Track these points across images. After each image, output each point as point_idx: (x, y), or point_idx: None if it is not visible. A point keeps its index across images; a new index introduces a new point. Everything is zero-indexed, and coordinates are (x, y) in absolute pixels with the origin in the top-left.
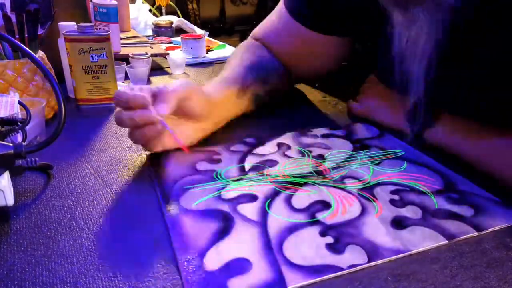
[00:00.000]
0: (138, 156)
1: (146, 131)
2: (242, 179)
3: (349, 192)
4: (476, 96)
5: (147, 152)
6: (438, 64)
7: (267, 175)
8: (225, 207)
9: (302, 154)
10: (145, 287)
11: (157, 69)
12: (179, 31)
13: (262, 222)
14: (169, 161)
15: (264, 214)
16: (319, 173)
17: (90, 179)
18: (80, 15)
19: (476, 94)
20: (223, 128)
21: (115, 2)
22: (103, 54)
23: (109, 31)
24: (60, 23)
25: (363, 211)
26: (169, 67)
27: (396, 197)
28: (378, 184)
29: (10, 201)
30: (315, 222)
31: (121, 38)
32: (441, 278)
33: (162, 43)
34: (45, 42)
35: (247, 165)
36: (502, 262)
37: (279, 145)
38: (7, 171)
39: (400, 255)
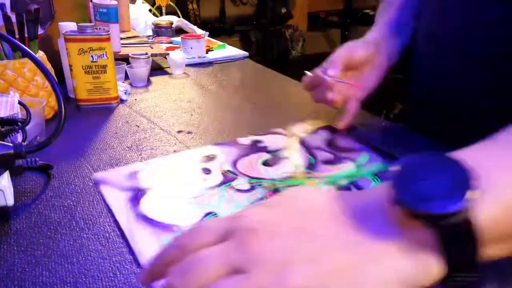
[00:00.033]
0: (138, 156)
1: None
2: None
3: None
4: None
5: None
6: None
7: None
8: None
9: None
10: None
11: (157, 69)
12: (179, 31)
13: None
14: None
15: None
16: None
17: (90, 179)
18: (80, 15)
19: None
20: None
21: (115, 2)
22: (103, 54)
23: (109, 31)
24: (60, 23)
25: None
26: (169, 67)
27: None
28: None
29: (10, 201)
30: None
31: (121, 38)
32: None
33: (162, 43)
34: (45, 42)
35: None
36: (502, 262)
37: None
38: (7, 171)
39: None
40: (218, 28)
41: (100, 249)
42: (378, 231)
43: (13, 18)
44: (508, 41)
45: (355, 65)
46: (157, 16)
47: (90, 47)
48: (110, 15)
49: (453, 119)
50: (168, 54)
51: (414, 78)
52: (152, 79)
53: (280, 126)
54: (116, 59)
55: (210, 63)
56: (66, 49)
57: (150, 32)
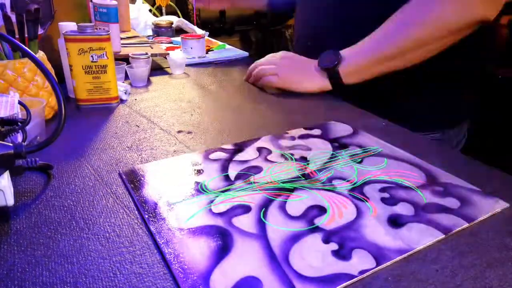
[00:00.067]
0: (138, 156)
1: None
2: (229, 189)
3: (340, 194)
4: None
5: (126, 169)
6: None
7: (254, 182)
8: (219, 222)
9: (285, 157)
10: (145, 287)
11: (157, 69)
12: (179, 31)
13: (262, 234)
14: (147, 176)
15: (261, 225)
16: (306, 176)
17: (90, 179)
18: (80, 15)
19: None
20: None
21: (115, 2)
22: (103, 54)
23: (109, 31)
24: (60, 23)
25: (359, 212)
26: (169, 67)
27: (386, 195)
28: (366, 183)
29: (10, 201)
30: (315, 229)
31: (121, 38)
32: (441, 278)
33: (162, 43)
34: (45, 42)
35: (232, 173)
36: (502, 262)
37: (259, 150)
38: (7, 171)
39: (401, 256)
40: (218, 28)
41: (100, 249)
42: (313, 72)
43: (13, 18)
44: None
45: None
46: (157, 16)
47: (90, 47)
48: (110, 15)
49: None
50: (168, 54)
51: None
52: (152, 79)
53: (280, 126)
54: (116, 59)
55: (210, 63)
56: (66, 49)
57: (150, 32)
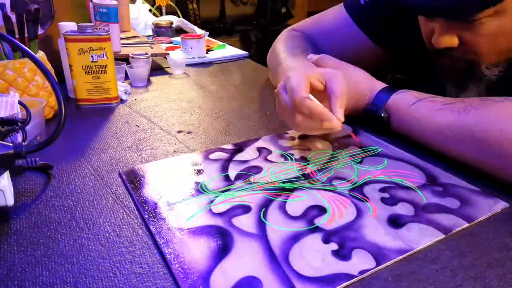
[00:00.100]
0: (138, 156)
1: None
2: (229, 189)
3: (340, 194)
4: None
5: (128, 166)
6: None
7: (254, 182)
8: (219, 222)
9: (285, 158)
10: (145, 287)
11: (157, 69)
12: (179, 31)
13: (262, 234)
14: (147, 176)
15: (261, 225)
16: (306, 176)
17: (90, 179)
18: (80, 15)
19: None
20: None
21: (115, 2)
22: (103, 54)
23: (109, 31)
24: (60, 23)
25: (359, 213)
26: (169, 67)
27: (386, 195)
28: (366, 183)
29: (10, 201)
30: (315, 229)
31: (121, 38)
32: (441, 278)
33: (162, 43)
34: (45, 42)
35: (232, 173)
36: (502, 262)
37: (259, 150)
38: (7, 171)
39: (401, 256)
40: (218, 28)
41: (100, 249)
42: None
43: (13, 18)
44: None
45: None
46: (157, 16)
47: (90, 47)
48: (110, 15)
49: None
50: (168, 54)
51: None
52: (152, 79)
53: (280, 126)
54: (116, 59)
55: (210, 63)
56: (66, 49)
57: (150, 32)
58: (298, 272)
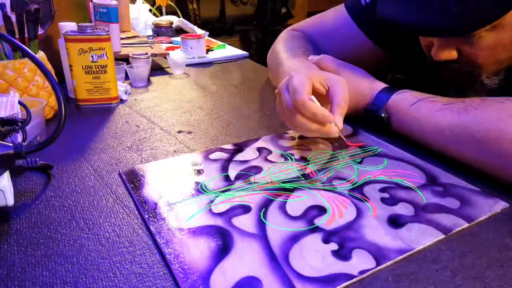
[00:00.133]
0: (138, 156)
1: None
2: (229, 189)
3: (341, 194)
4: None
5: (125, 168)
6: None
7: (254, 183)
8: (219, 222)
9: (285, 158)
10: (145, 287)
11: (157, 69)
12: (179, 31)
13: (262, 234)
14: (147, 176)
15: (261, 225)
16: (306, 176)
17: (90, 179)
18: (80, 15)
19: None
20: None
21: (115, 2)
22: (103, 54)
23: (109, 31)
24: (60, 23)
25: (359, 213)
26: (169, 67)
27: (386, 195)
28: (366, 183)
29: (10, 201)
30: (315, 229)
31: (121, 38)
32: (441, 278)
33: (162, 43)
34: (45, 42)
35: (232, 173)
36: (502, 262)
37: (259, 150)
38: (7, 171)
39: (401, 256)
40: (218, 28)
41: (100, 249)
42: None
43: (13, 18)
44: None
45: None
46: (157, 16)
47: (90, 47)
48: (110, 15)
49: None
50: (168, 54)
51: None
52: (152, 79)
53: (280, 126)
54: (116, 59)
55: (210, 63)
56: (66, 49)
57: (150, 32)
58: (298, 272)
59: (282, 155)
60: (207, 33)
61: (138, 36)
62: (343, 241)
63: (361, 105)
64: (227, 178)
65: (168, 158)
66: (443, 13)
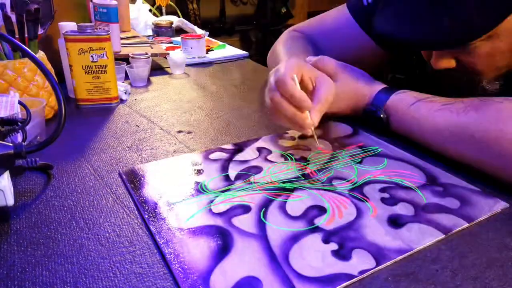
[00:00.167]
0: (138, 156)
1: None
2: (229, 189)
3: (340, 194)
4: None
5: (126, 166)
6: None
7: (254, 182)
8: (219, 222)
9: (285, 158)
10: (145, 287)
11: (157, 69)
12: (179, 31)
13: (262, 234)
14: (147, 176)
15: (261, 225)
16: (306, 176)
17: (90, 179)
18: (80, 15)
19: None
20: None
21: (115, 2)
22: (103, 54)
23: (109, 31)
24: (60, 23)
25: (359, 213)
26: (169, 67)
27: (386, 195)
28: (366, 183)
29: (10, 201)
30: (315, 229)
31: (121, 38)
32: (441, 278)
33: (162, 43)
34: (45, 42)
35: (232, 173)
36: (502, 262)
37: (259, 150)
38: (7, 171)
39: (401, 256)
40: (218, 28)
41: (100, 249)
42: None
43: (13, 18)
44: None
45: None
46: (157, 16)
47: (90, 47)
48: (110, 15)
49: None
50: (168, 54)
51: None
52: (152, 79)
53: (280, 126)
54: (116, 59)
55: (210, 63)
56: (66, 49)
57: (150, 32)
58: (298, 272)
59: (282, 155)
60: (207, 33)
61: (138, 36)
62: (343, 241)
63: (360, 106)
64: (227, 178)
65: (168, 158)
66: (436, 28)
